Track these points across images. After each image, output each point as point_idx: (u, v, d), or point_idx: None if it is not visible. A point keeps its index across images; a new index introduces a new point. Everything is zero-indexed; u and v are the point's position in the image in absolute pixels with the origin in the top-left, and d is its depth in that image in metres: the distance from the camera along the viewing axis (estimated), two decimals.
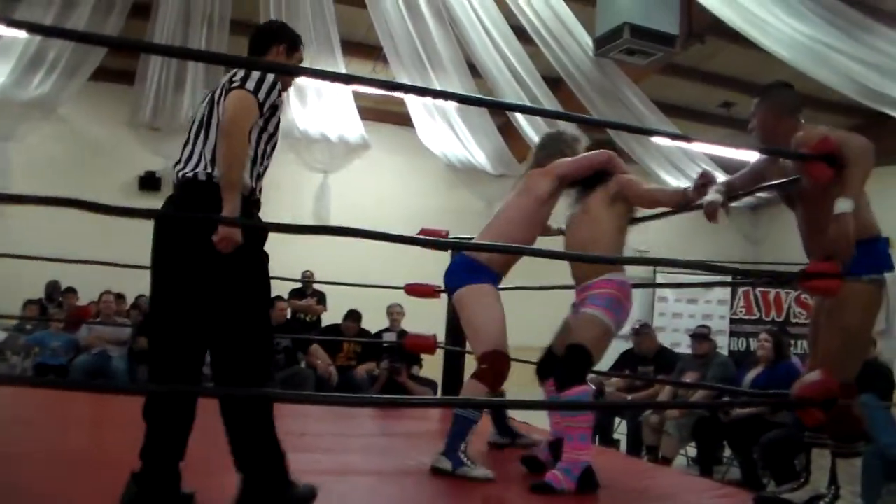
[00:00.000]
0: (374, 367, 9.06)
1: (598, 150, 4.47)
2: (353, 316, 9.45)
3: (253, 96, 3.03)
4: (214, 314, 3.01)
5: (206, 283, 2.98)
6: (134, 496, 2.90)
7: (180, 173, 3.11)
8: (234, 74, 3.10)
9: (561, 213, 4.63)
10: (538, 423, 5.33)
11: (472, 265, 4.30)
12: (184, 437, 3.02)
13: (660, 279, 13.49)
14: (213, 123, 3.13)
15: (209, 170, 3.05)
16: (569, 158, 4.49)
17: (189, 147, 3.16)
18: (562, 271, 4.46)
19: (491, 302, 4.27)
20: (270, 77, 3.10)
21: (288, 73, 3.38)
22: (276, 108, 3.17)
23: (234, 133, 2.97)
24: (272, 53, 3.41)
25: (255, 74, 3.08)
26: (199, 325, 3.04)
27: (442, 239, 4.94)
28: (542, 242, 4.58)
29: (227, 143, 2.97)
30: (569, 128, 4.81)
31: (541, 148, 4.72)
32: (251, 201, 3.14)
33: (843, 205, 3.29)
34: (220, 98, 3.14)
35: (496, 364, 4.13)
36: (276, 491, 3.03)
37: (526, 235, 4.41)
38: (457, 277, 4.34)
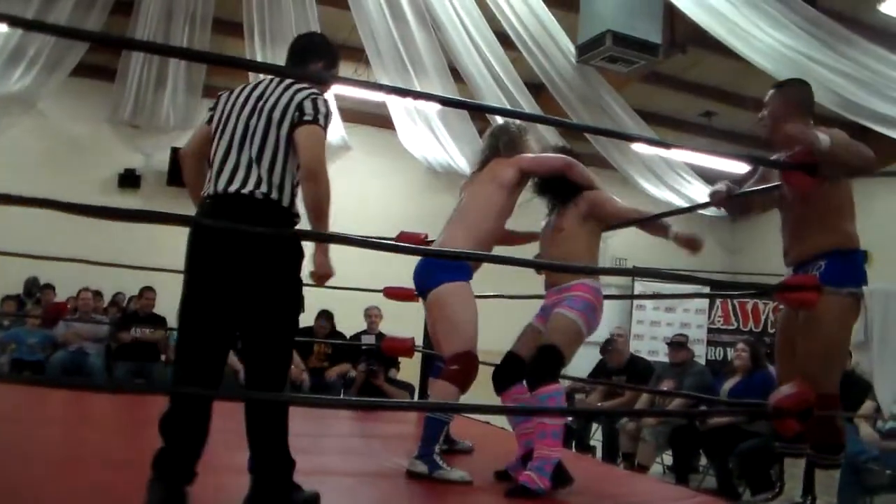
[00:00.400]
0: (347, 370, 9.05)
1: (556, 154, 4.50)
2: (325, 315, 9.42)
3: (324, 132, 3.13)
4: (264, 325, 3.09)
5: (259, 294, 3.04)
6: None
7: (230, 189, 3.08)
8: (303, 104, 3.11)
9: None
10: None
11: (448, 262, 4.25)
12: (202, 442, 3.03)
13: (638, 288, 13.53)
14: (272, 146, 3.11)
15: (264, 189, 3.06)
16: (531, 154, 4.57)
17: (233, 161, 3.13)
18: (532, 272, 4.49)
19: (469, 301, 4.25)
20: (333, 110, 3.27)
21: (273, 73, 3.36)
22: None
23: (322, 173, 3.08)
24: (310, 69, 3.43)
25: (322, 108, 3.13)
26: (233, 335, 3.14)
27: (421, 247, 4.92)
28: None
29: (320, 185, 3.08)
30: (548, 132, 4.86)
31: (494, 137, 4.75)
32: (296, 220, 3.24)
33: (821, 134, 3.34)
34: (280, 120, 3.12)
35: (468, 365, 4.13)
36: (283, 493, 3.09)
37: (495, 226, 4.44)
38: (432, 275, 4.28)
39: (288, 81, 3.21)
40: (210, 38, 9.79)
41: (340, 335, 9.49)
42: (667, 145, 5.16)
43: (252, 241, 3.00)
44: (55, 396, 5.79)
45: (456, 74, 10.17)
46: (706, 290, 7.21)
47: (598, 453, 7.88)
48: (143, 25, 9.35)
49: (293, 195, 3.15)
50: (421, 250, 4.38)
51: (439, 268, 4.25)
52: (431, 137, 11.70)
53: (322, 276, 3.14)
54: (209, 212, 3.12)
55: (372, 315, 9.28)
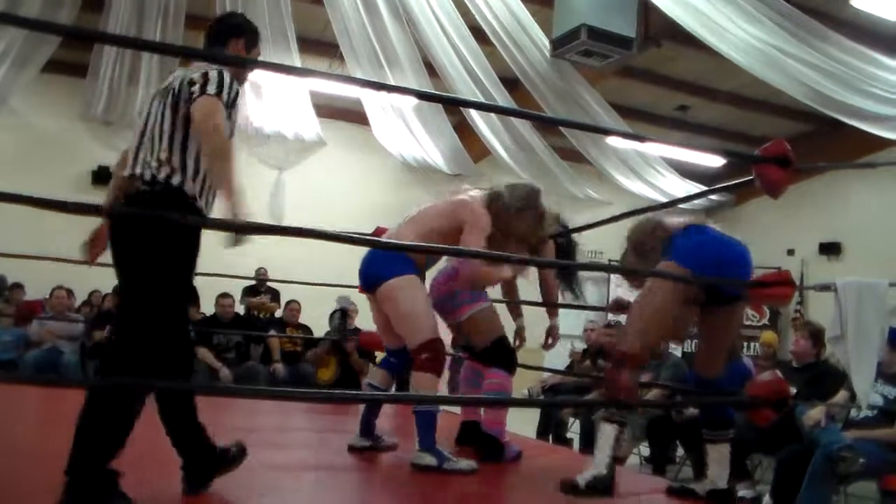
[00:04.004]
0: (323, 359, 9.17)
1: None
2: (293, 302, 9.68)
3: (217, 99, 3.04)
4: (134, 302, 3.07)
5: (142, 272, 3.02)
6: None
7: (132, 174, 3.10)
8: (192, 84, 3.07)
9: None
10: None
11: (396, 255, 4.29)
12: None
13: (613, 281, 13.58)
14: (169, 129, 3.10)
15: (162, 175, 3.05)
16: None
17: (143, 152, 3.13)
18: None
19: (420, 292, 4.32)
20: (227, 77, 3.10)
21: (242, 65, 3.33)
22: (234, 107, 3.18)
23: (212, 131, 2.98)
24: (230, 48, 3.36)
25: (213, 77, 3.07)
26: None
27: (392, 241, 4.90)
28: None
29: (209, 141, 2.99)
30: (522, 126, 4.83)
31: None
32: (195, 209, 3.14)
33: None
34: (174, 104, 3.11)
35: (436, 351, 4.18)
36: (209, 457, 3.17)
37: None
38: (379, 269, 4.31)
39: None
40: (183, 33, 9.73)
41: (306, 328, 9.58)
42: (641, 138, 5.19)
43: (150, 228, 3.03)
44: (29, 394, 5.76)
45: (430, 69, 10.17)
46: None
47: (576, 445, 7.89)
48: (114, 21, 9.27)
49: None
50: (393, 245, 4.37)
51: (385, 262, 4.29)
52: (406, 133, 11.70)
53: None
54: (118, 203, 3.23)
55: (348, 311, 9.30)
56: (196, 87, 3.04)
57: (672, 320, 3.76)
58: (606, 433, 3.63)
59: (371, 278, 4.36)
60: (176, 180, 3.06)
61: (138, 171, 3.08)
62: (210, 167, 3.06)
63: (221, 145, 3.00)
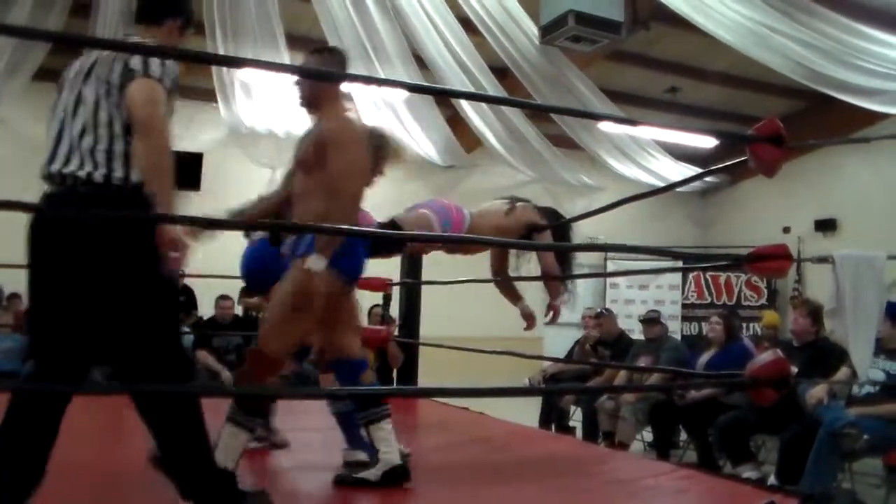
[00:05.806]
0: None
1: None
2: None
3: (160, 85, 2.77)
4: (118, 321, 2.80)
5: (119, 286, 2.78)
6: None
7: (64, 171, 2.86)
8: (130, 58, 2.79)
9: None
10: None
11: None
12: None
13: (610, 266, 13.59)
14: (105, 118, 2.81)
15: (104, 171, 2.77)
16: None
17: (67, 143, 2.89)
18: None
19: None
20: (171, 61, 2.85)
21: (237, 66, 3.28)
22: (174, 94, 2.89)
23: (160, 130, 2.73)
24: (165, 27, 3.10)
25: (156, 58, 2.80)
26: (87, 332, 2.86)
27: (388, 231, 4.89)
28: None
29: (157, 141, 2.71)
30: (514, 115, 4.84)
31: None
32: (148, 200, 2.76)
33: None
34: (109, 86, 2.82)
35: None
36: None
37: None
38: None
39: None
40: None
41: None
42: (633, 122, 5.17)
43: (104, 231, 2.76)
44: None
45: (420, 62, 10.15)
46: (678, 264, 7.23)
47: (579, 433, 7.91)
48: (102, 26, 9.22)
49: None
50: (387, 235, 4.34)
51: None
52: (398, 126, 11.67)
53: (171, 241, 2.68)
54: (47, 204, 3.08)
55: None
56: (137, 66, 2.76)
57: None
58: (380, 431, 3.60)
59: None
60: (135, 177, 2.76)
61: (73, 168, 2.82)
62: (147, 179, 2.71)
63: (163, 156, 2.72)
